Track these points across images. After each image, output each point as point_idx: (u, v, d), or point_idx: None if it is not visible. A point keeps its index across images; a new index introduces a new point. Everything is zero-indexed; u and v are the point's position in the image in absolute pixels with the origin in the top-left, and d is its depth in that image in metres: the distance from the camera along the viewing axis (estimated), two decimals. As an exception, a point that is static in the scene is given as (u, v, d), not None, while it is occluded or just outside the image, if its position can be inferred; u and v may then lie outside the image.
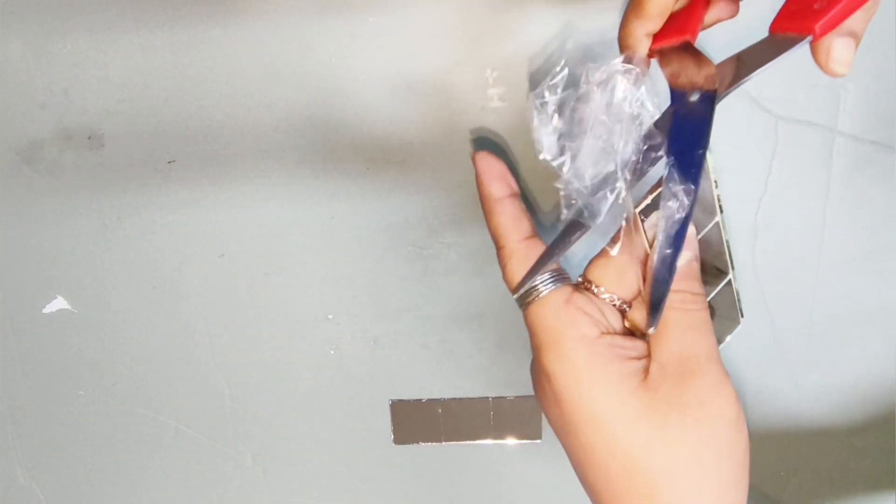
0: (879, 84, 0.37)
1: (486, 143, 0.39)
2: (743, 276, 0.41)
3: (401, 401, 0.45)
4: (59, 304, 0.44)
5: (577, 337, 0.25)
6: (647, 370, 0.25)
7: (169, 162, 0.40)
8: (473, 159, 0.31)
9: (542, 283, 0.27)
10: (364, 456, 0.46)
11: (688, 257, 0.28)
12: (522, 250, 0.28)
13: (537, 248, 0.28)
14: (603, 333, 0.26)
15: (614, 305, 0.28)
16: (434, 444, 0.45)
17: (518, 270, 0.28)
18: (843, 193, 0.39)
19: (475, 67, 0.38)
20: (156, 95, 0.39)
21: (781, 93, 0.38)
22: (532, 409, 0.45)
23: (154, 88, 0.39)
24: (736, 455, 0.24)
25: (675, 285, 0.27)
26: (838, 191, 0.39)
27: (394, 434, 0.46)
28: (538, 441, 0.45)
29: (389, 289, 0.43)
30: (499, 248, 0.29)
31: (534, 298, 0.27)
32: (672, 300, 0.26)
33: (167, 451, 0.47)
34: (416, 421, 0.45)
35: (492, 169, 0.30)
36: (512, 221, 0.28)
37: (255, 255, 0.42)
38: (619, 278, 0.28)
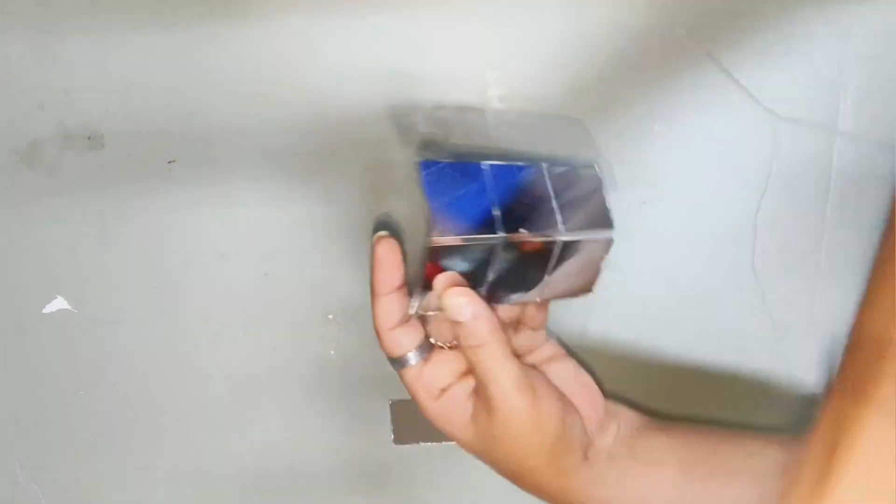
0: (879, 84, 0.37)
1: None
2: (742, 277, 0.41)
3: (401, 401, 0.45)
4: (59, 304, 0.44)
5: (428, 398, 0.36)
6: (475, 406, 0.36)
7: (169, 162, 0.40)
8: (373, 245, 0.35)
9: (408, 354, 0.36)
10: (364, 456, 0.46)
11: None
12: (391, 335, 0.36)
13: (402, 333, 0.36)
14: (442, 390, 0.36)
15: (449, 347, 0.37)
16: (434, 444, 0.45)
17: (389, 348, 0.36)
18: (843, 193, 0.39)
19: (475, 67, 0.38)
20: (156, 95, 0.39)
21: (781, 93, 0.38)
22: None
23: (154, 88, 0.39)
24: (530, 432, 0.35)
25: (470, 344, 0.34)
26: (838, 191, 0.39)
27: (394, 434, 0.46)
28: (538, 441, 0.45)
29: (389, 289, 0.43)
30: (375, 327, 0.36)
31: (402, 367, 0.36)
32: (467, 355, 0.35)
33: (167, 451, 0.47)
34: (416, 421, 0.45)
35: (386, 259, 0.35)
36: (386, 314, 0.35)
37: (255, 255, 0.42)
38: (437, 330, 0.36)
